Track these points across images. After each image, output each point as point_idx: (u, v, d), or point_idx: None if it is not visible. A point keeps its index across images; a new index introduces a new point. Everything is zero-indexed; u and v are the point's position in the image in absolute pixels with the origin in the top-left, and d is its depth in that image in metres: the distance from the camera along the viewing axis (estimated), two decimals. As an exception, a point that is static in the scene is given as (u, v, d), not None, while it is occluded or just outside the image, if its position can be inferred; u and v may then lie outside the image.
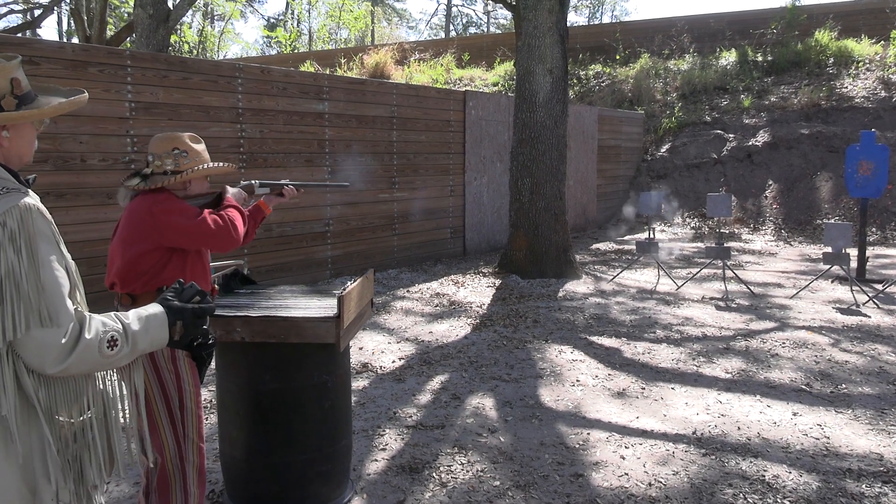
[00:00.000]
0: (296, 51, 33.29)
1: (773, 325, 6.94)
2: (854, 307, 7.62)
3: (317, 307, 3.34)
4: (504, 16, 48.12)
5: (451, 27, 50.34)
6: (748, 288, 8.45)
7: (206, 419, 4.48)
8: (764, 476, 3.77)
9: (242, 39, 48.78)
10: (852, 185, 9.02)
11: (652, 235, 9.38)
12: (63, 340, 1.63)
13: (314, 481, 3.30)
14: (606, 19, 49.82)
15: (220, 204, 3.04)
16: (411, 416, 4.65)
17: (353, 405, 4.76)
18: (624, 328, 6.86)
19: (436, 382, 5.32)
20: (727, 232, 13.70)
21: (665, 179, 15.73)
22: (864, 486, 3.66)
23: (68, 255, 1.78)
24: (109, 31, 18.82)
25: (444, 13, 50.59)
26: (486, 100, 11.47)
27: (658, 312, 7.49)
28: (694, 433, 4.36)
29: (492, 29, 48.97)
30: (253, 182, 3.37)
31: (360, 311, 3.58)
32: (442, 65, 22.86)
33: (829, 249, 8.09)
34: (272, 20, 43.51)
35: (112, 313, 1.81)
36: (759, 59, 18.76)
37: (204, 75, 7.45)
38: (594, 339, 6.48)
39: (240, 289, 3.77)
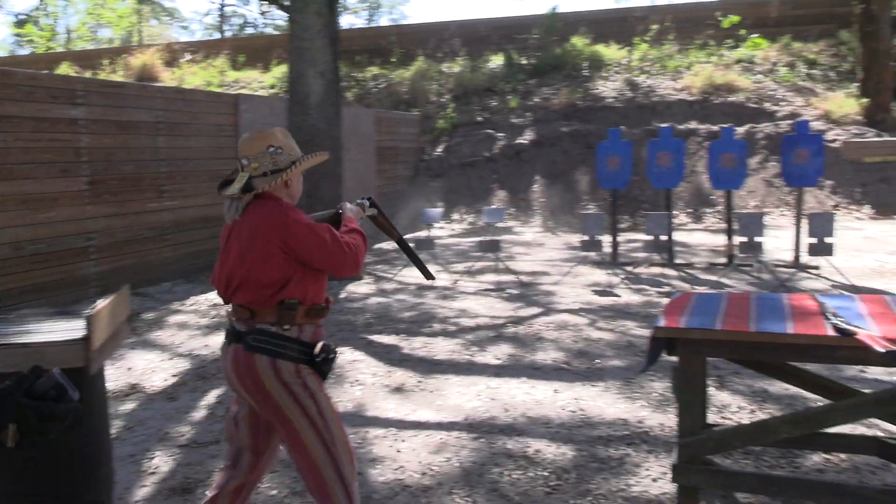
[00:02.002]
0: (51, 51, 30.55)
1: (539, 311, 7.46)
2: (608, 289, 8.38)
3: (63, 330, 3.12)
4: (281, 17, 47.15)
5: (226, 27, 48.70)
6: (518, 277, 9.01)
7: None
8: (527, 452, 4.05)
9: (-14, 37, 43.93)
10: (603, 178, 9.91)
11: (429, 233, 9.72)
12: None
13: (69, 515, 3.07)
14: (385, 22, 50.75)
15: (338, 222, 2.81)
16: (184, 435, 4.47)
17: (119, 430, 4.50)
18: (403, 324, 7.05)
19: (211, 397, 5.15)
20: (501, 226, 14.49)
21: (442, 178, 16.30)
22: (611, 450, 4.06)
23: None
24: None
25: (218, 12, 48.82)
26: (259, 103, 11.24)
27: (436, 307, 7.77)
28: (465, 419, 4.58)
29: (268, 30, 47.74)
30: (364, 201, 3.05)
31: (115, 329, 3.38)
32: (216, 66, 22.06)
33: (586, 238, 8.84)
34: (22, 16, 39.56)
35: None
36: (524, 62, 20.02)
37: (-73, 79, 6.64)
38: (374, 337, 6.60)
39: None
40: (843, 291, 7.80)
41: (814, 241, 7.89)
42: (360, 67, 21.71)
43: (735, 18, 18.67)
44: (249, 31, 49.21)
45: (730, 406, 4.63)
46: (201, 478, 3.86)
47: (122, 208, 8.66)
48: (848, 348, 2.85)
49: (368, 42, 23.10)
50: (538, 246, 12.28)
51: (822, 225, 7.83)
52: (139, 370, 5.82)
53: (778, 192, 14.27)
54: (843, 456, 3.81)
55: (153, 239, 9.15)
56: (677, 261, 9.99)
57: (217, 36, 42.77)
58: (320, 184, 9.18)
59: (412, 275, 9.73)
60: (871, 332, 2.77)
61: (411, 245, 3.14)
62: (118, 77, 21.11)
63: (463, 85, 19.09)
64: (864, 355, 2.78)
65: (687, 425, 3.19)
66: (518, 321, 7.05)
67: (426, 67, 20.30)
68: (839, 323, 2.91)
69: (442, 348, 6.21)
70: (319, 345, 2.60)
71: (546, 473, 3.78)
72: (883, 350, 2.61)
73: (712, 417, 4.40)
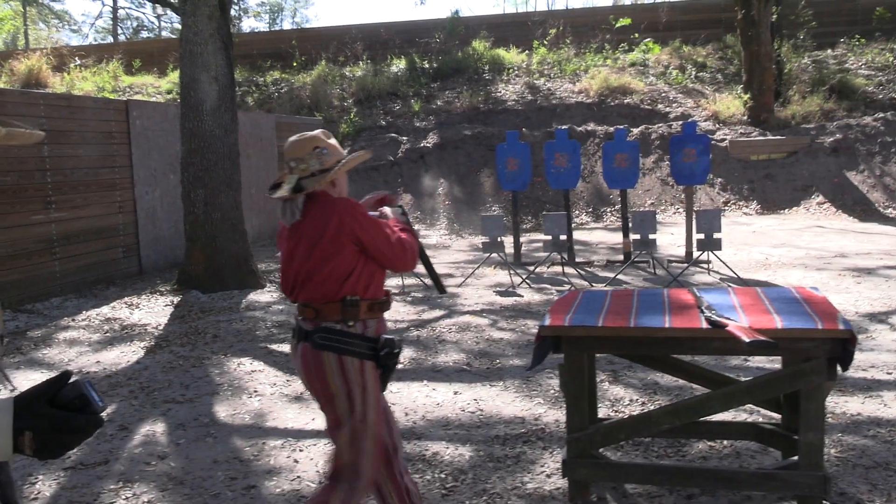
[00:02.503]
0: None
1: (442, 313, 7.50)
2: (510, 289, 8.52)
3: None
4: (178, 20, 45.98)
5: (120, 31, 46.91)
6: (422, 281, 9.04)
7: None
8: (425, 455, 4.07)
9: None
10: (503, 180, 10.07)
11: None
12: None
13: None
14: (287, 26, 49.95)
15: None
16: (69, 457, 4.27)
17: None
18: (305, 332, 6.95)
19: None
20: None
21: (348, 181, 16.17)
22: (508, 448, 4.12)
23: None
24: None
25: (111, 16, 46.99)
26: (152, 109, 10.88)
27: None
28: (365, 425, 4.56)
29: (165, 34, 46.44)
30: (398, 208, 3.03)
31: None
32: (108, 71, 21.23)
33: (486, 239, 8.95)
34: None
35: None
36: (427, 66, 20.12)
37: None
38: (274, 347, 6.49)
39: None
40: (730, 285, 8.18)
41: (702, 236, 8.22)
42: (261, 72, 21.34)
43: (626, 20, 19.33)
44: (145, 34, 47.72)
45: (623, 399, 4.78)
46: (87, 500, 3.70)
47: (5, 221, 8.22)
48: (721, 339, 2.99)
49: (270, 46, 22.74)
50: (444, 248, 12.36)
51: (709, 221, 8.18)
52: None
53: (673, 190, 14.83)
54: (726, 442, 3.99)
55: (40, 252, 8.72)
56: (578, 259, 10.24)
57: (110, 40, 41.23)
58: (219, 190, 8.97)
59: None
60: (739, 324, 2.91)
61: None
62: (2, 83, 20.04)
63: (366, 89, 19.03)
64: (734, 346, 2.93)
65: (575, 421, 3.27)
66: (421, 324, 7.07)
67: (328, 72, 20.14)
68: (712, 316, 3.04)
69: (344, 355, 6.15)
70: (382, 338, 2.70)
71: (443, 475, 3.81)
72: (748, 340, 2.75)
73: (605, 412, 4.54)
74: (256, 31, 34.62)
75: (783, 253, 10.09)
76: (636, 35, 19.45)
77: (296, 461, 4.08)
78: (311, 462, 4.05)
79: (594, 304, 3.47)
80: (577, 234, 12.83)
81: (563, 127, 13.31)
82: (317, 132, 2.83)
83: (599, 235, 12.77)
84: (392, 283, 9.14)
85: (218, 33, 9.05)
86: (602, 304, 3.48)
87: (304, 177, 2.71)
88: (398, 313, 7.56)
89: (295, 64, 21.15)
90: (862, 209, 13.53)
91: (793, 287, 3.69)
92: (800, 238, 11.32)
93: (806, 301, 3.31)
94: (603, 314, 3.26)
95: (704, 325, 3.01)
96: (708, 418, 3.83)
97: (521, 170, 9.92)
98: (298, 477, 3.87)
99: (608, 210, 14.77)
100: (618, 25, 19.46)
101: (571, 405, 3.28)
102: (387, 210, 2.98)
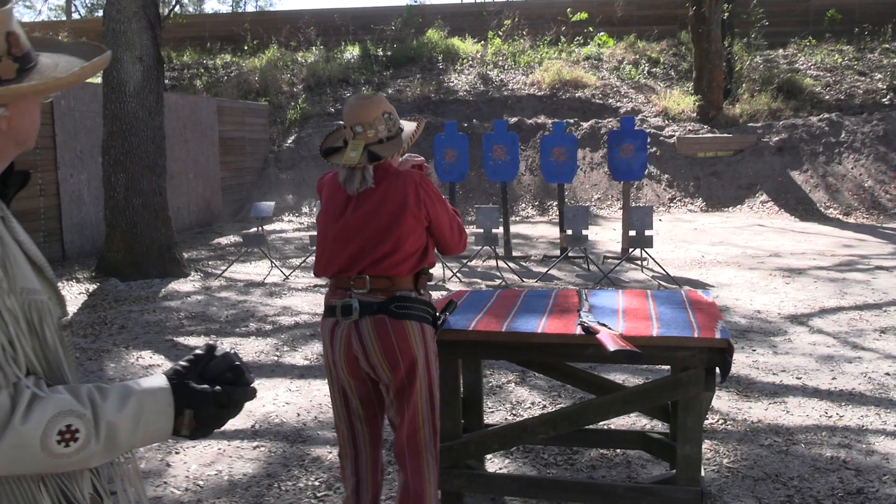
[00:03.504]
0: None
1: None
2: (440, 282, 8.32)
3: None
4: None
5: (74, 9, 45.65)
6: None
7: None
8: (304, 461, 3.86)
9: None
10: (441, 171, 9.86)
11: (260, 228, 9.36)
12: None
13: None
14: (251, 9, 49.00)
15: None
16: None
17: None
18: (217, 324, 6.69)
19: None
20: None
21: (293, 170, 15.87)
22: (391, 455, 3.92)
23: (30, 287, 1.15)
24: None
25: (64, -8, 45.64)
26: (79, 89, 10.44)
27: (258, 305, 7.45)
28: (252, 427, 4.33)
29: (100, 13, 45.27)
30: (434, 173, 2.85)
31: None
32: (51, 49, 20.52)
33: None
34: None
35: (89, 386, 1.16)
36: (381, 53, 19.80)
37: None
38: (181, 339, 6.21)
39: None
40: (665, 285, 8.09)
41: (633, 233, 8.11)
42: (212, 55, 20.82)
43: (583, 15, 19.23)
44: (100, 13, 46.54)
45: (524, 402, 4.61)
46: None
47: None
48: (595, 346, 2.81)
49: (221, 28, 22.23)
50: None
51: (641, 218, 8.06)
52: None
53: (619, 185, 14.76)
54: (618, 451, 3.84)
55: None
56: (515, 253, 10.09)
57: (63, 18, 40.07)
58: (141, 175, 8.63)
59: (243, 270, 9.34)
60: (610, 331, 2.74)
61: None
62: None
63: (316, 75, 18.66)
64: (605, 353, 2.76)
65: (447, 429, 3.09)
66: (339, 319, 6.84)
67: (279, 56, 19.72)
68: (586, 321, 2.87)
69: (251, 349, 5.91)
70: (451, 301, 2.85)
71: (317, 483, 3.60)
72: (612, 349, 2.58)
73: (503, 415, 4.37)
74: (207, 12, 33.84)
75: (720, 251, 10.05)
76: (591, 29, 19.35)
77: (168, 465, 3.84)
78: (183, 466, 3.82)
79: (474, 306, 3.28)
80: (519, 228, 12.71)
81: (506, 120, 13.13)
82: (380, 95, 2.67)
83: (542, 229, 12.63)
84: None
85: (143, 12, 8.69)
86: (483, 305, 3.29)
87: (372, 143, 2.55)
88: (318, 306, 7.33)
89: (246, 48, 20.67)
90: (804, 209, 13.59)
91: (685, 291, 3.54)
92: (739, 236, 11.31)
93: (692, 307, 3.16)
94: (479, 316, 3.07)
95: (579, 330, 2.83)
96: (600, 425, 3.69)
97: (458, 161, 9.73)
98: (166, 483, 3.64)
99: (554, 204, 14.66)
100: (574, 19, 19.35)
101: (443, 413, 3.09)
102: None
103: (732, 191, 14.48)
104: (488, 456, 3.69)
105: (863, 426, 4.10)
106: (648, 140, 14.95)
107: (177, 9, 21.12)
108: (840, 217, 13.26)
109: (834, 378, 4.88)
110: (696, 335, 2.77)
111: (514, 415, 4.39)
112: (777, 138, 14.87)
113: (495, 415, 4.40)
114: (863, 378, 4.87)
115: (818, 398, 4.53)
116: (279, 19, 22.09)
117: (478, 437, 3.16)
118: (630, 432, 3.64)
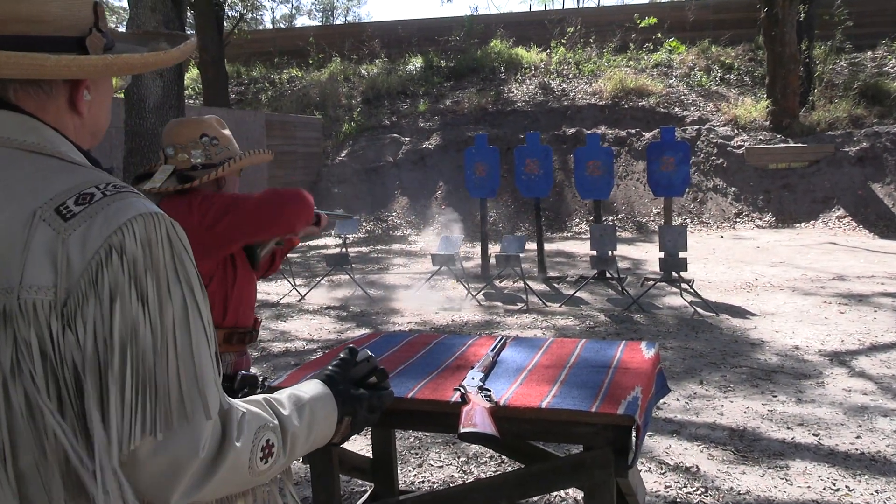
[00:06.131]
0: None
1: (365, 332, 6.84)
2: (457, 304, 7.82)
3: None
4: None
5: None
6: (366, 293, 8.42)
7: None
8: None
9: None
10: (471, 187, 9.39)
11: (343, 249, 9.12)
12: (201, 454, 0.95)
13: None
14: (339, 23, 49.80)
15: None
16: None
17: None
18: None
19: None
20: (399, 235, 13.92)
21: (345, 184, 15.69)
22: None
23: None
24: None
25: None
26: (116, 105, 10.51)
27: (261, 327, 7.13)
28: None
29: (122, 28, 46.82)
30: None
31: None
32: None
33: (440, 252, 8.28)
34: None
35: (258, 397, 1.11)
36: (443, 64, 19.48)
37: None
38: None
39: None
40: (702, 313, 7.34)
41: (662, 255, 7.41)
42: (278, 70, 21.01)
43: (652, 20, 18.36)
44: (122, 29, 48.16)
45: (481, 456, 4.06)
46: None
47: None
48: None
49: (289, 44, 22.44)
50: (422, 256, 11.71)
51: (673, 238, 7.35)
52: None
53: (680, 200, 13.88)
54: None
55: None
56: (552, 273, 9.50)
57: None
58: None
59: (263, 289, 9.08)
60: (479, 403, 2.21)
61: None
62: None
63: (375, 88, 18.50)
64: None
65: (321, 501, 2.61)
66: (331, 345, 6.45)
67: (341, 70, 19.68)
68: (467, 385, 2.34)
69: (226, 380, 5.58)
70: (240, 375, 2.30)
71: None
72: (461, 430, 2.05)
73: (448, 472, 3.84)
74: (265, 27, 34.30)
75: (776, 273, 9.15)
76: (659, 35, 18.45)
77: None
78: None
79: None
80: (564, 245, 12.07)
81: (571, 130, 12.50)
82: (209, 117, 2.38)
83: (588, 247, 11.91)
84: (340, 294, 8.56)
85: (165, 27, 8.59)
86: (380, 356, 2.80)
87: (185, 169, 2.26)
88: (320, 331, 6.97)
89: (311, 61, 20.76)
90: (885, 225, 12.38)
91: (623, 345, 2.93)
92: (804, 256, 10.32)
93: (617, 367, 2.58)
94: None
95: (456, 397, 2.31)
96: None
97: (489, 175, 9.22)
98: None
99: (610, 218, 13.91)
100: (642, 25, 18.50)
101: (315, 482, 2.62)
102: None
103: (806, 205, 13.37)
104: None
105: (876, 504, 3.38)
106: (715, 150, 14.05)
107: (244, 25, 21.46)
108: (926, 235, 12.01)
109: (858, 437, 4.12)
110: (593, 409, 2.20)
111: (465, 472, 3.86)
112: (857, 148, 13.66)
113: (444, 470, 3.88)
114: (894, 439, 4.09)
115: (830, 463, 3.80)
116: (343, 33, 22.12)
117: (358, 515, 2.67)
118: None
